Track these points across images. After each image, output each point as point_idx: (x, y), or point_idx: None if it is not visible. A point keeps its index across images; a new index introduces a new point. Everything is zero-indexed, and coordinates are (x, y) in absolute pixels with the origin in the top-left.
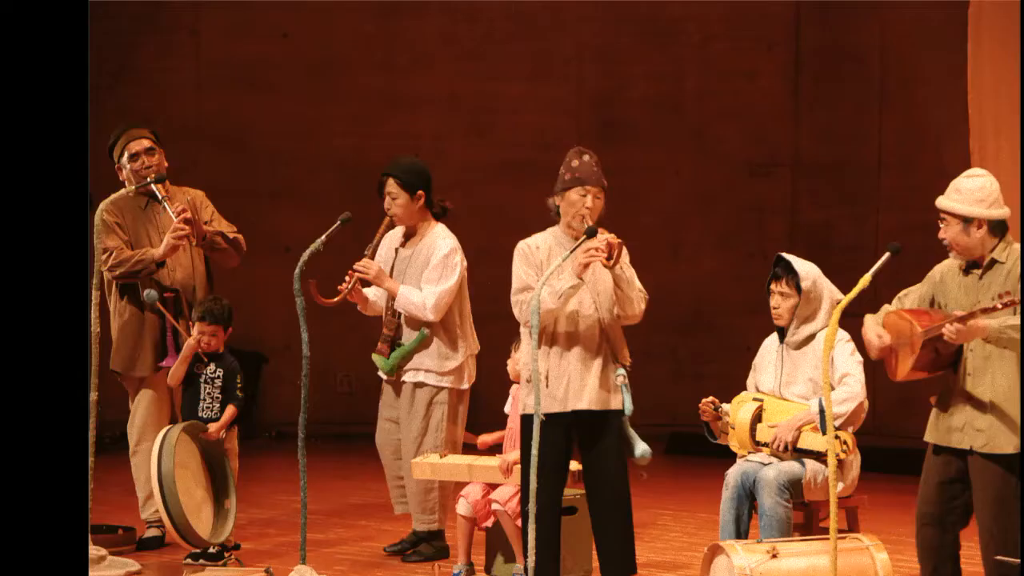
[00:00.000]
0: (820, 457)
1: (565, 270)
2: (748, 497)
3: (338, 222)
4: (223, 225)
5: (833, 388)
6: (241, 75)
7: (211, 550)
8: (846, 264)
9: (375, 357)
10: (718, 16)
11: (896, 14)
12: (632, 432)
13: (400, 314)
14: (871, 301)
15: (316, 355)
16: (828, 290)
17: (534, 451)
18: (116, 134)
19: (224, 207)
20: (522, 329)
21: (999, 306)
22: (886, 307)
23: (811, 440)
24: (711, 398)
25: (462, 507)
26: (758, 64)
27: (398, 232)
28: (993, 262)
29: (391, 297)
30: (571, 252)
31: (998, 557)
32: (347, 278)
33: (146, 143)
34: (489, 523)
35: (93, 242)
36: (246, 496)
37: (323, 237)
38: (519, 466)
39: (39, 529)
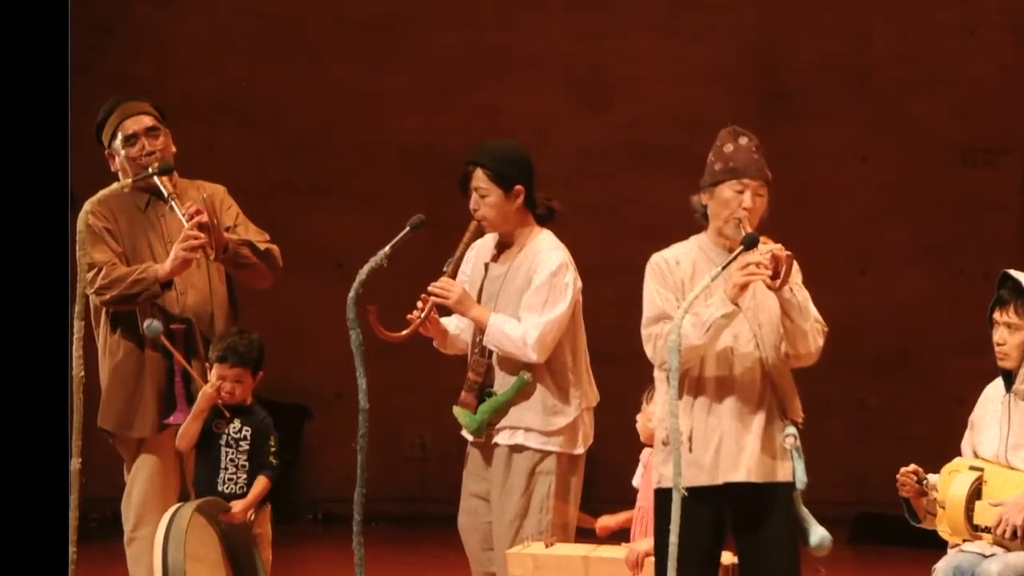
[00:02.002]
0: None
1: (715, 293)
2: None
3: (407, 228)
4: (250, 232)
5: None
6: (274, 33)
7: None
8: None
9: (457, 411)
10: None
11: None
12: (806, 512)
13: (491, 353)
14: None
15: (377, 408)
16: None
17: (673, 538)
18: (107, 109)
19: (252, 207)
20: (656, 373)
21: None
22: None
23: None
24: (913, 467)
25: None
26: (974, 14)
27: (488, 242)
28: None
29: (479, 330)
30: (723, 268)
31: None
32: (420, 304)
33: (147, 121)
34: None
35: (75, 255)
36: None
37: (387, 248)
38: (652, 558)
39: None
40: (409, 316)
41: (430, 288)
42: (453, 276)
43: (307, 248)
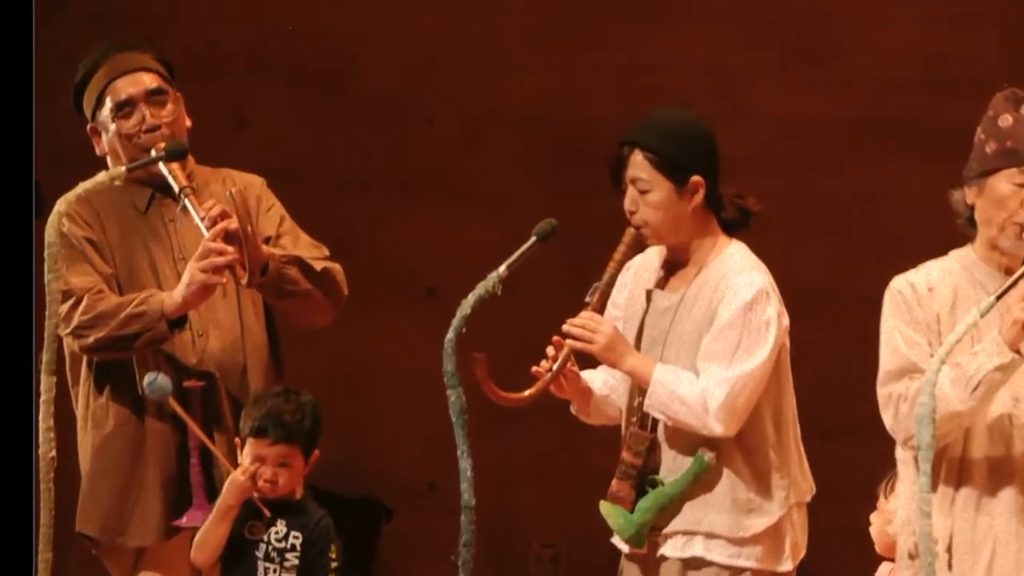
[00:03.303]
0: None
1: (986, 335)
2: None
3: (532, 238)
4: (301, 245)
5: None
6: None
7: None
8: None
9: (606, 508)
10: None
11: None
12: None
13: (656, 423)
14: None
15: (487, 503)
16: None
17: None
18: (90, 64)
19: (301, 208)
20: (899, 453)
21: None
22: None
23: None
24: None
25: None
26: None
27: (652, 260)
28: None
29: (639, 389)
30: (998, 297)
31: None
32: (551, 351)
33: (148, 81)
34: None
35: (43, 279)
36: None
37: (502, 268)
38: None
39: None
40: (535, 369)
41: (566, 327)
42: (600, 310)
43: (384, 267)
